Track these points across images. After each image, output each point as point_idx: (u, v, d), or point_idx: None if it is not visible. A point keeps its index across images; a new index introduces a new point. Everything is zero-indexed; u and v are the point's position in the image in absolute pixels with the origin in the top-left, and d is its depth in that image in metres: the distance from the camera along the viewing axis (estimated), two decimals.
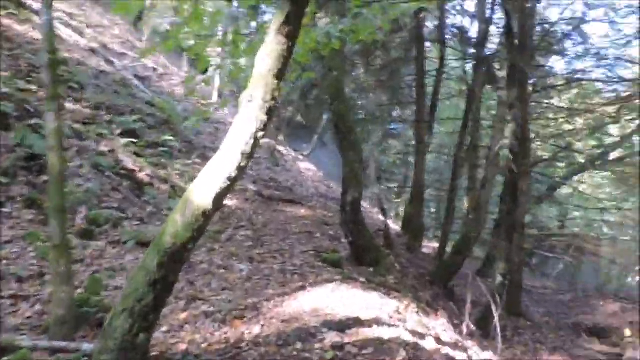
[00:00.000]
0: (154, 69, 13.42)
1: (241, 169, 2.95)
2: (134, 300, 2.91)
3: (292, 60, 4.92)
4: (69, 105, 9.03)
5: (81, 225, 5.46)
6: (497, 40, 12.01)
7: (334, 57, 5.94)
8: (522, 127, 6.88)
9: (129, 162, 8.14)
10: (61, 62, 10.10)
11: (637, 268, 19.32)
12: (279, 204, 10.36)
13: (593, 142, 17.71)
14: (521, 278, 8.05)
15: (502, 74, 7.44)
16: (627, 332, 6.61)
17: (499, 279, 6.77)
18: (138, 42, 14.65)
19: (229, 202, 9.10)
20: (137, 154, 8.78)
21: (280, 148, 15.08)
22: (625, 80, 14.17)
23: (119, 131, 8.60)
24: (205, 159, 10.58)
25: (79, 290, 4.14)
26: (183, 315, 4.18)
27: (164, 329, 3.88)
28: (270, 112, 2.97)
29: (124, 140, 8.53)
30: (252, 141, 2.93)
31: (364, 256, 5.75)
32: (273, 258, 5.87)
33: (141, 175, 8.14)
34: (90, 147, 7.78)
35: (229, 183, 2.95)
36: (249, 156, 2.97)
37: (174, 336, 3.79)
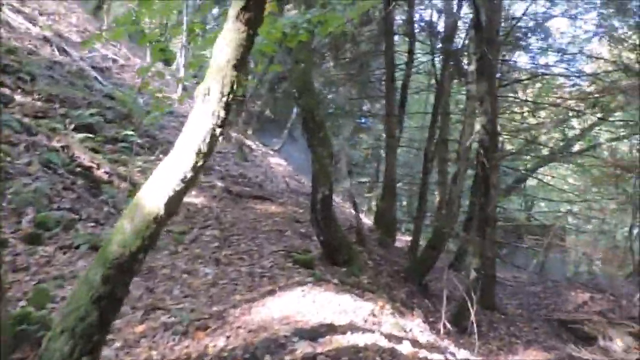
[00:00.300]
0: (114, 60, 12.81)
1: (197, 170, 2.62)
2: (76, 319, 2.55)
3: (258, 52, 4.59)
4: (17, 97, 8.46)
5: (27, 229, 5.00)
6: (464, 34, 11.94)
7: (301, 50, 5.62)
8: (492, 121, 6.71)
9: (85, 158, 7.64)
10: (9, 51, 9.48)
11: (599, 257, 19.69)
12: (248, 201, 9.99)
13: (557, 135, 17.98)
14: (494, 271, 7.94)
15: (470, 68, 7.25)
16: (619, 343, 6.54)
17: (473, 274, 6.61)
18: (97, 31, 13.96)
19: (194, 200, 8.70)
20: (95, 150, 8.28)
21: (249, 143, 14.69)
22: (586, 74, 14.35)
23: (73, 126, 8.07)
24: (168, 154, 10.13)
25: (21, 303, 3.73)
26: (140, 328, 3.81)
27: (117, 344, 3.51)
28: (228, 107, 2.64)
29: (80, 135, 8.02)
30: (209, 139, 2.59)
31: (336, 255, 5.48)
32: (241, 260, 5.53)
33: (99, 173, 7.66)
34: (41, 143, 7.27)
35: (183, 185, 2.60)
36: (206, 155, 2.63)
37: (128, 353, 3.43)
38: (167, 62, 16.80)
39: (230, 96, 2.63)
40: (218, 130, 2.63)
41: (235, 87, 2.64)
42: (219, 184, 10.24)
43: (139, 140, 9.37)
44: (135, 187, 7.78)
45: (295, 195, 11.99)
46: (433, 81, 16.13)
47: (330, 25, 4.32)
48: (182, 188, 2.61)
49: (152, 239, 2.63)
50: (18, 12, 11.54)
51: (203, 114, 2.59)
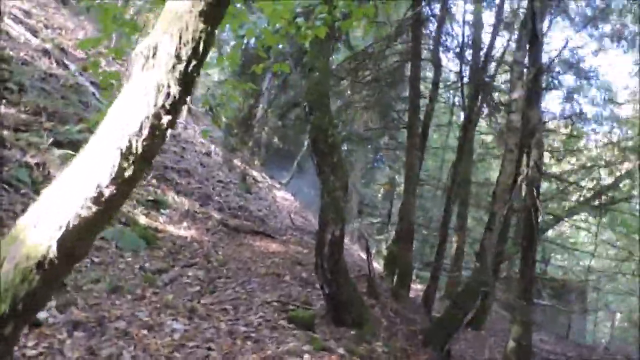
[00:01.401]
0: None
1: (124, 183, 1.55)
2: None
3: (260, 45, 3.60)
4: (1, 108, 7.57)
5: None
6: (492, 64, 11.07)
7: (317, 55, 4.65)
8: (542, 157, 5.66)
9: None
10: (1, 59, 8.68)
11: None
12: (245, 237, 8.90)
13: (587, 184, 16.80)
14: (530, 339, 6.69)
15: (513, 95, 6.23)
16: None
17: (512, 343, 5.39)
18: (104, 48, 13.27)
19: (184, 232, 7.63)
20: None
21: (255, 174, 13.69)
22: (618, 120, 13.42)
23: (52, 140, 7.11)
24: (163, 180, 9.13)
25: None
26: None
27: None
28: (188, 80, 1.59)
29: (59, 152, 7.05)
30: (147, 130, 1.54)
31: (344, 314, 4.34)
32: (223, 312, 4.40)
33: None
34: (12, 158, 6.30)
35: (96, 208, 1.53)
36: (143, 159, 1.57)
37: None
38: None
39: (193, 63, 1.59)
40: (166, 119, 1.58)
41: (202, 50, 1.60)
42: (216, 215, 9.17)
43: None
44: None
45: (300, 233, 10.87)
46: (455, 116, 15.23)
47: (356, 17, 3.34)
48: (94, 213, 1.53)
49: (36, 299, 1.54)
50: (21, 22, 10.86)
51: (140, 88, 1.54)
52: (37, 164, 6.46)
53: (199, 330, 3.82)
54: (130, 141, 1.51)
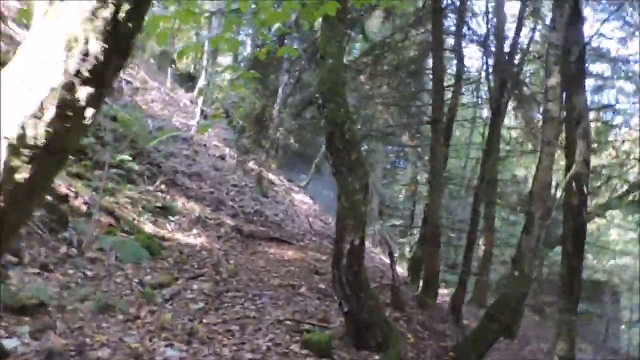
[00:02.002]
0: (128, 82, 11.67)
1: (16, 192, 1.00)
2: None
3: (259, 24, 3.06)
4: None
5: None
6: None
7: (329, 39, 4.09)
8: (589, 150, 5.02)
9: (60, 185, 6.21)
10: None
11: None
12: (260, 244, 8.38)
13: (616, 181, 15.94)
14: (574, 354, 6.00)
15: (550, 82, 5.57)
16: None
17: None
18: None
19: (193, 240, 7.14)
20: (79, 176, 6.89)
21: (271, 176, 13.19)
22: None
23: None
24: (173, 185, 8.67)
25: None
26: None
27: None
28: (120, 30, 1.04)
29: None
30: (50, 110, 0.99)
31: (366, 335, 3.76)
32: (227, 334, 3.87)
33: (76, 203, 6.21)
34: None
35: None
36: (48, 153, 1.03)
37: None
38: (183, 80, 15.71)
39: (126, 8, 1.05)
40: (83, 92, 1.03)
41: None
42: (229, 221, 8.67)
43: (136, 167, 7.95)
44: (119, 221, 6.30)
45: (319, 238, 10.32)
46: (478, 111, 14.50)
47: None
48: None
49: None
50: (25, 26, 10.54)
51: (41, 46, 1.01)
52: None
53: (197, 357, 3.30)
54: (24, 127, 0.97)
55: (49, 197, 5.81)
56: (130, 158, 8.02)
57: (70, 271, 4.52)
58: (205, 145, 11.96)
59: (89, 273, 4.61)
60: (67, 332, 3.28)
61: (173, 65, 15.41)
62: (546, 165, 5.57)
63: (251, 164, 12.19)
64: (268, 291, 5.46)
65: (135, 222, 6.63)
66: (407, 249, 16.84)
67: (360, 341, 3.85)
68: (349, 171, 3.87)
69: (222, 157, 12.00)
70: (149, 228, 6.70)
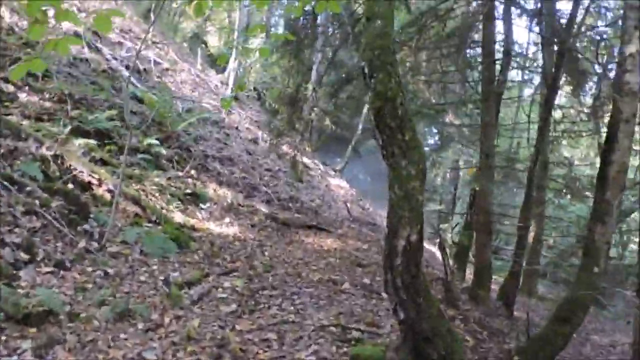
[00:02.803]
0: (157, 63, 11.22)
1: None
2: None
3: None
4: (22, 95, 6.84)
5: None
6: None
7: None
8: None
9: (83, 171, 5.79)
10: (25, 44, 7.96)
11: None
12: (297, 232, 7.85)
13: None
14: None
15: (629, 49, 4.73)
16: None
17: None
18: (144, 34, 12.51)
19: (226, 229, 6.65)
20: (104, 161, 6.46)
21: (306, 160, 12.61)
22: None
23: (69, 129, 6.29)
24: (204, 171, 8.19)
25: None
26: None
27: None
28: None
29: (80, 141, 6.20)
30: None
31: (427, 349, 3.14)
32: (263, 344, 3.32)
33: (100, 191, 5.79)
34: (26, 150, 5.49)
35: None
36: None
37: None
38: (213, 60, 15.18)
39: None
40: None
41: None
42: (263, 209, 8.15)
43: (164, 152, 7.48)
44: (145, 210, 5.84)
45: (358, 225, 9.72)
46: (528, 88, 13.47)
47: None
48: None
49: None
50: (51, 7, 10.17)
51: None
52: (54, 156, 5.62)
53: None
54: None
55: (70, 185, 5.40)
56: (158, 142, 7.56)
57: (89, 269, 4.05)
58: (237, 128, 11.46)
59: (109, 271, 4.14)
60: (77, 347, 2.80)
61: (203, 45, 14.92)
62: (625, 147, 4.77)
63: (285, 148, 11.63)
64: (307, 288, 4.91)
65: (164, 210, 6.17)
66: (449, 236, 16.05)
67: (420, 354, 3.24)
68: (403, 154, 3.22)
69: (255, 141, 11.48)
70: (178, 217, 6.23)
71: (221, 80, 13.80)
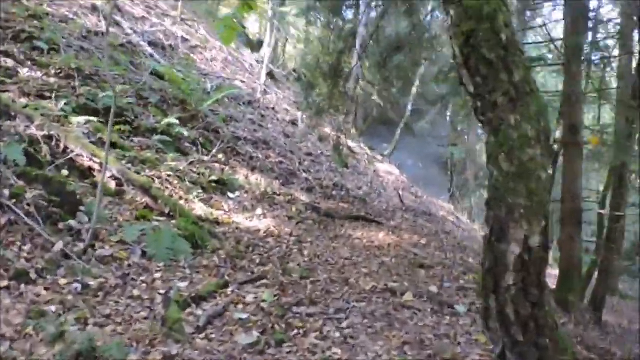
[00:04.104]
0: (185, 40, 10.22)
1: None
2: None
3: None
4: (24, 71, 5.93)
5: None
6: None
7: None
8: None
9: (83, 155, 4.79)
10: (32, 15, 7.06)
11: None
12: (343, 224, 6.66)
13: None
14: None
15: None
16: None
17: None
18: (172, 10, 11.55)
19: (258, 222, 5.54)
20: (113, 144, 5.45)
21: (351, 144, 11.36)
22: None
23: (61, 107, 5.30)
24: (234, 155, 7.11)
25: None
26: None
27: None
28: None
29: (80, 119, 5.21)
30: None
31: None
32: None
33: (102, 177, 4.75)
34: (12, 130, 4.53)
35: None
36: None
37: None
38: (252, 43, 14.15)
39: None
40: None
41: None
42: (302, 198, 7.00)
43: (186, 133, 6.43)
44: (156, 201, 4.77)
45: (412, 215, 8.43)
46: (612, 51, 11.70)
47: None
48: None
49: None
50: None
51: None
52: (47, 137, 4.63)
53: None
54: None
55: (64, 172, 4.40)
56: (178, 122, 6.50)
57: (63, 281, 3.00)
58: (273, 108, 10.34)
59: (92, 283, 3.07)
60: None
61: (240, 26, 13.84)
62: None
63: (327, 129, 10.42)
64: (358, 302, 3.70)
65: (182, 201, 5.10)
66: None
67: None
68: (510, 104, 1.97)
69: (294, 122, 10.34)
70: (198, 209, 5.15)
71: (257, 60, 12.70)
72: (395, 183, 10.75)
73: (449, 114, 20.66)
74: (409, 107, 14.56)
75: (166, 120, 6.36)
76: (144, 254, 3.79)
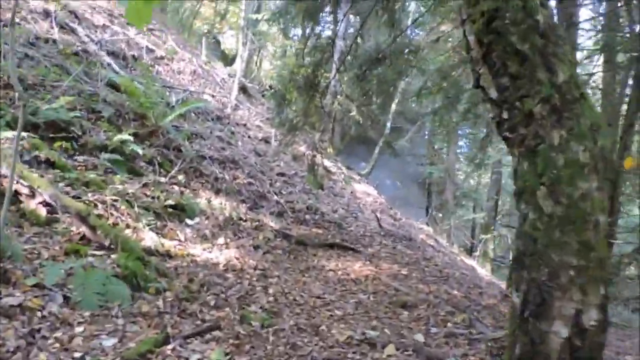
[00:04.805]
0: (150, 50, 9.52)
1: None
2: None
3: None
4: None
5: None
6: None
7: None
8: None
9: (7, 176, 4.03)
10: None
11: None
12: (316, 254, 6.00)
13: None
14: None
15: None
16: None
17: None
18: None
19: (217, 254, 4.83)
20: (51, 163, 4.72)
21: (328, 164, 10.75)
22: None
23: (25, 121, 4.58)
24: (196, 175, 6.43)
25: None
26: None
27: None
28: None
29: (9, 135, 4.48)
30: None
31: None
32: None
33: (32, 204, 4.03)
34: None
35: None
36: None
37: None
38: (226, 57, 13.54)
39: None
40: None
41: None
42: (272, 223, 6.33)
43: (140, 150, 5.71)
44: (94, 231, 4.04)
45: (392, 241, 7.80)
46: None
47: None
48: None
49: None
50: None
51: None
52: None
53: None
54: None
55: None
56: (133, 138, 5.79)
57: None
58: (245, 125, 9.68)
59: None
60: None
61: (208, 34, 13.20)
62: None
63: (302, 148, 9.80)
64: (332, 357, 3.03)
65: (129, 230, 4.38)
66: (490, 247, 14.00)
67: None
68: (554, 116, 1.37)
69: (267, 140, 9.69)
70: (148, 239, 4.43)
71: (229, 74, 12.05)
72: (373, 205, 10.14)
73: (427, 132, 20.33)
74: (389, 125, 14.06)
75: (119, 137, 5.64)
76: (66, 300, 3.06)
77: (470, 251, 14.43)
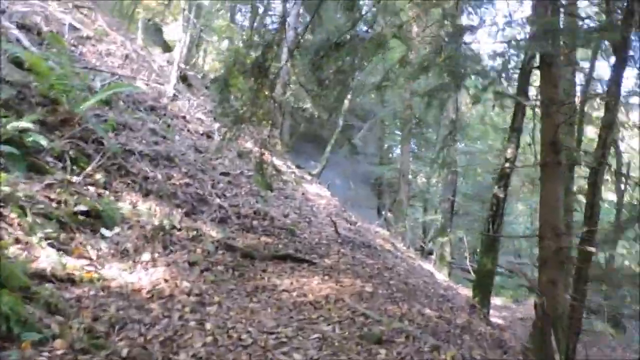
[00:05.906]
0: (75, 28, 8.20)
1: None
2: None
3: None
4: None
5: None
6: None
7: None
8: None
9: None
10: None
11: None
12: (265, 269, 5.04)
13: None
14: None
15: None
16: None
17: None
18: None
19: (137, 276, 3.77)
20: None
21: (278, 162, 9.77)
22: None
23: None
24: (120, 174, 5.30)
25: None
26: None
27: None
28: None
29: None
30: None
31: None
32: None
33: None
34: None
35: None
36: None
37: None
38: (168, 47, 12.30)
39: None
40: None
41: None
42: (213, 233, 5.30)
43: (44, 142, 4.54)
44: None
45: (350, 248, 6.94)
46: None
47: None
48: None
49: None
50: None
51: None
52: None
53: None
54: None
55: None
56: (37, 127, 4.61)
57: None
58: (184, 117, 8.54)
59: None
60: None
61: (145, 18, 11.88)
62: None
63: (248, 144, 8.79)
64: None
65: (16, 247, 3.26)
66: (447, 250, 13.47)
67: None
68: None
69: (209, 135, 8.59)
70: (44, 259, 3.34)
71: (167, 60, 10.82)
72: (327, 207, 9.26)
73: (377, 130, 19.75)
74: (341, 122, 13.24)
75: (15, 124, 4.45)
76: None
77: (423, 253, 13.89)
